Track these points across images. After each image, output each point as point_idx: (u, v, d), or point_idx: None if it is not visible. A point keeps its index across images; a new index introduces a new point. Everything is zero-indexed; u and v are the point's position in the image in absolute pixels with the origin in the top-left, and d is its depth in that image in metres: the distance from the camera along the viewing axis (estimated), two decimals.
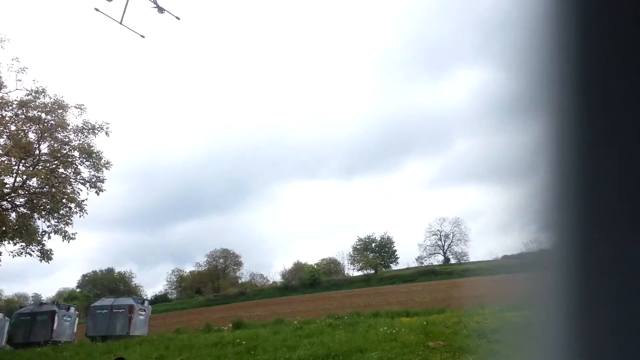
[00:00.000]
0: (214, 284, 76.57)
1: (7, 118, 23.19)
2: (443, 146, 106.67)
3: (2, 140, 23.11)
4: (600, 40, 0.74)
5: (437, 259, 69.01)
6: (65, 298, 67.36)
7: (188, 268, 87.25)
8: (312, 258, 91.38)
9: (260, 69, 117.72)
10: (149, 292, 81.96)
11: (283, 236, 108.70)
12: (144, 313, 24.33)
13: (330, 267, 69.58)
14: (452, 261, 67.99)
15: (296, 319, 24.83)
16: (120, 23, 22.02)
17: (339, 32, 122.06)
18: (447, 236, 69.83)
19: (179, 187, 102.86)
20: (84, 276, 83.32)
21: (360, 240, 71.97)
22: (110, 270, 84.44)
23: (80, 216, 23.09)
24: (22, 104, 23.04)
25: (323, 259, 71.32)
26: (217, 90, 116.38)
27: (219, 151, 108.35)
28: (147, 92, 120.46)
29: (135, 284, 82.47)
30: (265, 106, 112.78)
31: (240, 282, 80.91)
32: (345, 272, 70.32)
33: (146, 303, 26.16)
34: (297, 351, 15.42)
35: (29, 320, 23.63)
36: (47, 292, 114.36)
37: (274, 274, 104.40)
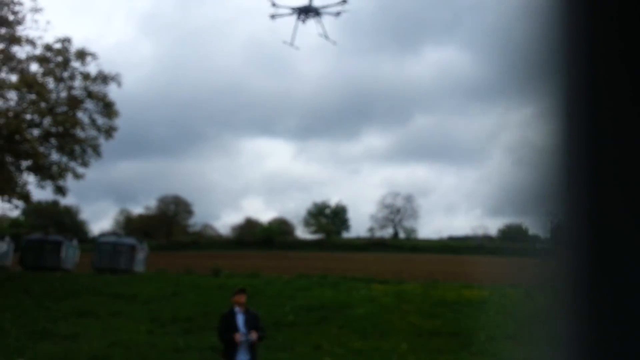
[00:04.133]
0: (165, 230, 78.25)
1: (19, 56, 24.39)
2: (402, 119, 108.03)
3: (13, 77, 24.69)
4: (580, 29, 0.75)
5: (388, 232, 72.88)
6: (10, 225, 67.08)
7: (132, 208, 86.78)
8: (262, 216, 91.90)
9: (222, 9, 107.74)
10: (94, 229, 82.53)
11: (232, 189, 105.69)
12: (143, 252, 27.23)
13: (282, 227, 73.03)
14: (402, 236, 72.54)
15: (269, 275, 28.45)
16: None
17: None
18: (398, 211, 73.34)
19: (122, 123, 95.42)
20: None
21: (315, 204, 75.57)
22: (55, 202, 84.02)
23: (95, 160, 25.48)
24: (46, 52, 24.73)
25: (275, 219, 74.15)
26: (171, 25, 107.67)
27: (169, 92, 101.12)
28: None
29: (80, 219, 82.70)
30: (220, 49, 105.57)
31: (190, 231, 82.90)
32: (296, 234, 73.96)
33: (144, 243, 28.97)
34: (295, 301, 19.04)
35: (38, 247, 25.99)
36: None
37: (223, 227, 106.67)
